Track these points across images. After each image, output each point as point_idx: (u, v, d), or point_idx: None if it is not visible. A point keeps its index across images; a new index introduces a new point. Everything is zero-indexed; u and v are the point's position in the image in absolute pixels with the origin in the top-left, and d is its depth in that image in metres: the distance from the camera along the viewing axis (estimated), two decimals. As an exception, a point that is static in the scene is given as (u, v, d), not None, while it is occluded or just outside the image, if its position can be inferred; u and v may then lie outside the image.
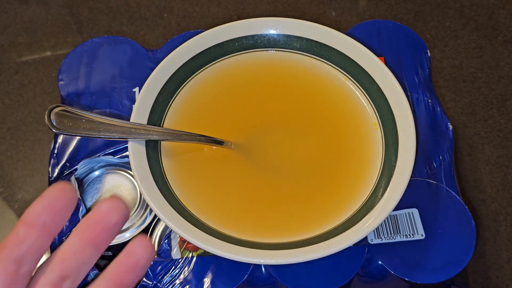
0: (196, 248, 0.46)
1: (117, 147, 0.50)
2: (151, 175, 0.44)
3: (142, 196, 0.49)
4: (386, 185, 0.44)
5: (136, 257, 0.29)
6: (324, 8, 0.74)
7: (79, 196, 0.48)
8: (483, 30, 0.72)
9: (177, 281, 0.45)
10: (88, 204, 0.49)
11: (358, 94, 0.49)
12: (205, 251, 0.44)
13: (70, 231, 0.46)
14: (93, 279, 0.29)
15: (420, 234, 0.46)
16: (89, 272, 0.45)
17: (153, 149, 0.46)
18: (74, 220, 0.47)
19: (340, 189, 0.46)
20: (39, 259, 0.28)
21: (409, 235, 0.46)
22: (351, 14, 0.74)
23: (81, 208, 0.47)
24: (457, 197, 0.48)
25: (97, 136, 0.43)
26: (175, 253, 0.46)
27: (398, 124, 0.46)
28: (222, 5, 0.75)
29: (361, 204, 0.44)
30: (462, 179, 0.62)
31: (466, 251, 0.46)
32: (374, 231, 0.46)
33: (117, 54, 0.56)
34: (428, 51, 0.56)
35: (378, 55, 0.49)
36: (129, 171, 0.50)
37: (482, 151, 0.64)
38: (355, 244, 0.46)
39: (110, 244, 0.47)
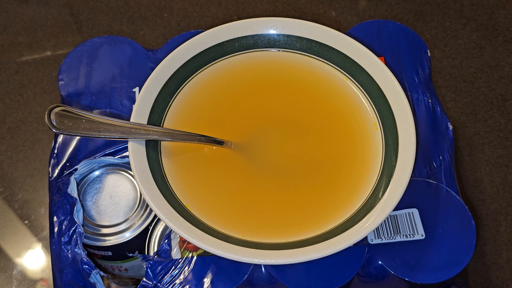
0: (196, 248, 0.46)
1: (117, 147, 0.50)
2: (151, 175, 0.44)
3: (142, 196, 0.49)
4: (386, 185, 0.44)
5: None
6: (324, 8, 0.74)
7: (76, 196, 0.48)
8: (483, 30, 0.72)
9: (177, 281, 0.45)
10: (88, 204, 0.49)
11: (358, 94, 0.49)
12: (205, 251, 0.44)
13: (69, 230, 0.46)
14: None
15: (420, 234, 0.46)
16: (90, 272, 0.45)
17: (153, 149, 0.46)
18: (71, 219, 0.47)
19: (340, 189, 0.46)
20: None
21: (409, 235, 0.46)
22: (351, 14, 0.74)
23: (76, 207, 0.47)
24: (457, 197, 0.48)
25: (97, 136, 0.43)
26: (175, 253, 0.46)
27: (398, 124, 0.46)
28: (222, 5, 0.75)
29: (361, 204, 0.44)
30: (462, 179, 0.62)
31: (466, 251, 0.46)
32: (374, 231, 0.46)
33: (117, 54, 0.56)
34: (428, 51, 0.56)
35: (378, 55, 0.49)
36: (129, 171, 0.50)
37: (482, 151, 0.64)
38: (355, 244, 0.46)
39: (110, 244, 0.48)
